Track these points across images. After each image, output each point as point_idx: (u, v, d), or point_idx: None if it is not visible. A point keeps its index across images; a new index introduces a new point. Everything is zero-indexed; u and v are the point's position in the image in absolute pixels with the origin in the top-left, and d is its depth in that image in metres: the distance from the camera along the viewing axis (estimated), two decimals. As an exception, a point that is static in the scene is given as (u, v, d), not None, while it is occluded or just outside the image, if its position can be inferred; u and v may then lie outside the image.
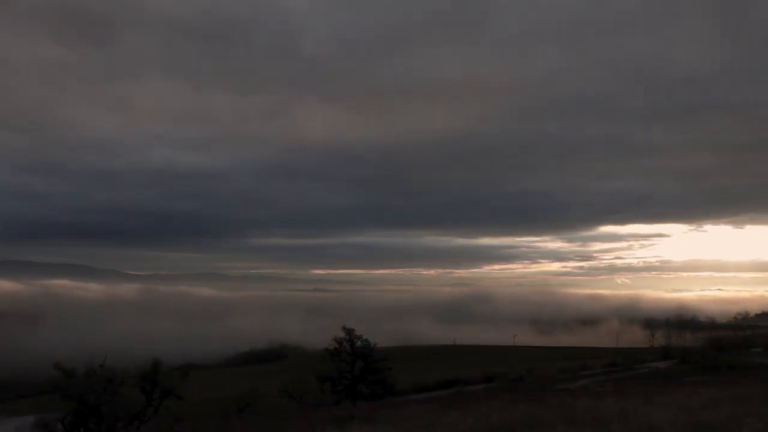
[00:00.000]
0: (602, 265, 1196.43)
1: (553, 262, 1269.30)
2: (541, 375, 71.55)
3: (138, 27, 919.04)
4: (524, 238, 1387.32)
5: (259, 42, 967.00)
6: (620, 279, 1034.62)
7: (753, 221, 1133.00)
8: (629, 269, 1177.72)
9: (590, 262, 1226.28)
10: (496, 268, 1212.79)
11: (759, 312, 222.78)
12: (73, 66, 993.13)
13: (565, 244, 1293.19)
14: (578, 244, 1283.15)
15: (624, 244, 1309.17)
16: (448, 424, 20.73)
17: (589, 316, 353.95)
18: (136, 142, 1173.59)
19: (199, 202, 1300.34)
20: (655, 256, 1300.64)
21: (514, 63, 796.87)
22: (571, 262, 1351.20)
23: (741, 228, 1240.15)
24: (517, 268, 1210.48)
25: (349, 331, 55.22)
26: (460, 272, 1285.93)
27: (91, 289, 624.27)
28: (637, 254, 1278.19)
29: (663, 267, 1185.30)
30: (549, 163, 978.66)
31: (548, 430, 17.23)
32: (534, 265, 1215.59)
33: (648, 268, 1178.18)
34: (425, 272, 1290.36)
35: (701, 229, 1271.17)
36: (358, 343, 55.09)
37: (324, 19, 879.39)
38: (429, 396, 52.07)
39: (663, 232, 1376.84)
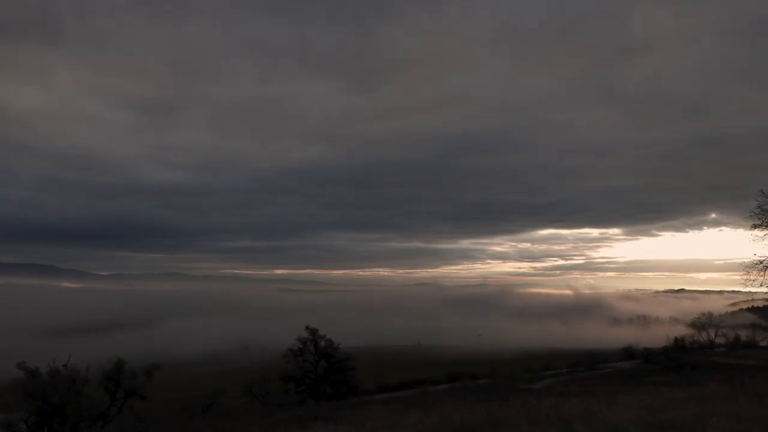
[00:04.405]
0: (554, 265, 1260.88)
1: (506, 261, 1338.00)
2: (506, 375, 71.87)
3: (192, 106, 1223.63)
4: (479, 240, 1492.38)
5: (282, 112, 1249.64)
6: (584, 279, 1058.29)
7: (689, 227, 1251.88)
8: (585, 268, 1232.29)
9: (542, 263, 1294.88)
10: (454, 269, 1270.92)
11: (722, 312, 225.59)
12: (139, 126, 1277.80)
13: (517, 245, 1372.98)
14: (528, 245, 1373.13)
15: (569, 246, 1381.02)
16: (411, 424, 20.63)
17: (552, 316, 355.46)
18: (144, 165, 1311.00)
19: (178, 211, 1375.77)
20: (602, 257, 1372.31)
21: (457, 124, 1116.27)
22: (525, 262, 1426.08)
23: (684, 233, 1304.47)
24: (475, 268, 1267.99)
25: (312, 331, 55.10)
26: (421, 272, 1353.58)
27: (56, 287, 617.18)
28: (587, 255, 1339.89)
29: (618, 268, 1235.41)
30: (492, 183, 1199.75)
31: (512, 430, 17.21)
32: (488, 266, 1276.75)
33: (603, 268, 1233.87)
34: (387, 273, 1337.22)
35: (650, 233, 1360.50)
36: (322, 343, 55.01)
37: (328, 101, 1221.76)
38: (393, 396, 52.01)
39: (610, 235, 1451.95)
